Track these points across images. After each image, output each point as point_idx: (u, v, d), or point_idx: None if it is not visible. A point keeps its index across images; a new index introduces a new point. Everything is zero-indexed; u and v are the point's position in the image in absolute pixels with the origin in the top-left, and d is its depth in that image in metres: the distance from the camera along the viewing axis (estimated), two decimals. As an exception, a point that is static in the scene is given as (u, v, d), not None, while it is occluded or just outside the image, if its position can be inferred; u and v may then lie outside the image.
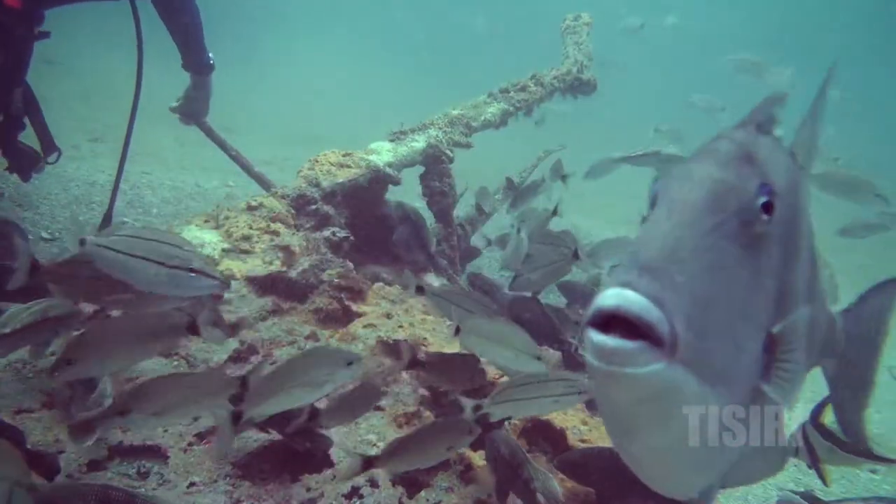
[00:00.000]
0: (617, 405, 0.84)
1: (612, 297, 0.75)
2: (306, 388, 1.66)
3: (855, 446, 2.07)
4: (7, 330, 1.78)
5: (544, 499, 1.90)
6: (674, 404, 0.80)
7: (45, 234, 4.32)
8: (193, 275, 1.67)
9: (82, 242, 1.65)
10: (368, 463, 1.79)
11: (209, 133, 4.25)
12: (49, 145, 3.52)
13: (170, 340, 1.75)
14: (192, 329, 1.70)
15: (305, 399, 1.72)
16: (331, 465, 2.04)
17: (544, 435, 2.37)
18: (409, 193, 4.27)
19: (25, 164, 3.46)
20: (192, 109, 4.02)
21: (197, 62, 3.81)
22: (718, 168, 0.88)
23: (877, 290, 1.48)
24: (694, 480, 1.02)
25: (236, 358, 2.43)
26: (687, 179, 0.88)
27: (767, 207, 0.87)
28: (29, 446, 1.84)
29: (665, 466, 0.95)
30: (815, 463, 2.17)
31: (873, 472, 3.35)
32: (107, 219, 3.36)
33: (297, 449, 2.02)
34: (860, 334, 1.43)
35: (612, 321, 0.75)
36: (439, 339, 2.69)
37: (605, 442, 2.25)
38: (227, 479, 1.97)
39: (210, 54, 3.84)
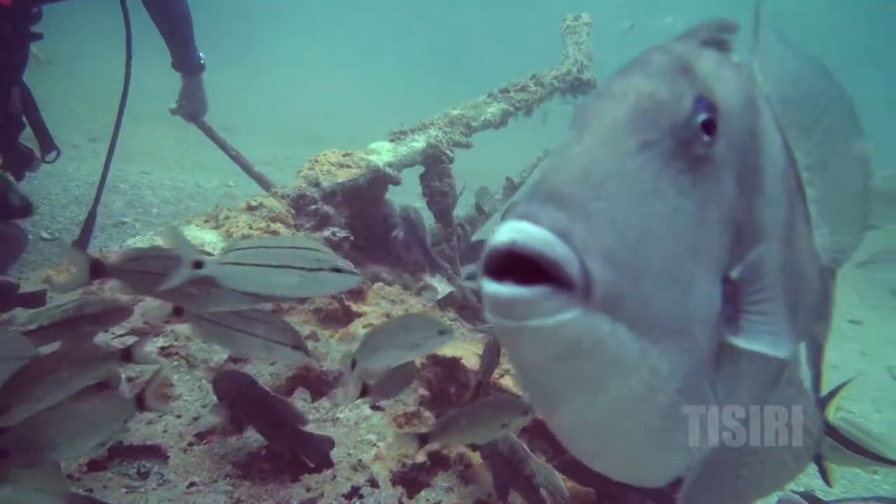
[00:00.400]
0: (529, 369, 0.69)
1: (506, 232, 0.60)
2: (404, 348, 1.74)
3: (860, 446, 2.03)
4: (33, 326, 1.76)
5: (548, 495, 1.90)
6: (600, 363, 0.65)
7: (45, 234, 4.32)
8: (339, 274, 1.64)
9: (198, 265, 1.54)
10: (423, 439, 1.81)
11: (209, 133, 4.25)
12: (48, 145, 3.51)
13: (103, 371, 1.70)
14: (127, 356, 1.70)
15: (403, 358, 1.80)
16: (331, 465, 2.04)
17: (544, 435, 2.37)
18: (409, 193, 4.27)
19: (20, 163, 3.45)
20: (191, 109, 4.02)
21: (186, 62, 3.80)
22: (646, 80, 0.73)
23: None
24: (654, 463, 0.84)
25: (236, 358, 2.42)
26: (607, 95, 0.72)
27: (708, 126, 0.72)
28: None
29: (605, 444, 0.80)
30: (817, 461, 2.08)
31: (874, 472, 3.35)
32: (91, 217, 3.33)
33: (283, 454, 2.03)
34: None
35: (512, 266, 0.60)
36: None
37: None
38: (227, 479, 1.97)
39: (201, 54, 3.83)
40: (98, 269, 1.66)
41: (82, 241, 3.21)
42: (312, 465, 2.03)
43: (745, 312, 0.74)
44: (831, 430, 2.05)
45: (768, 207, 0.84)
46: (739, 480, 0.98)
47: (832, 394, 2.09)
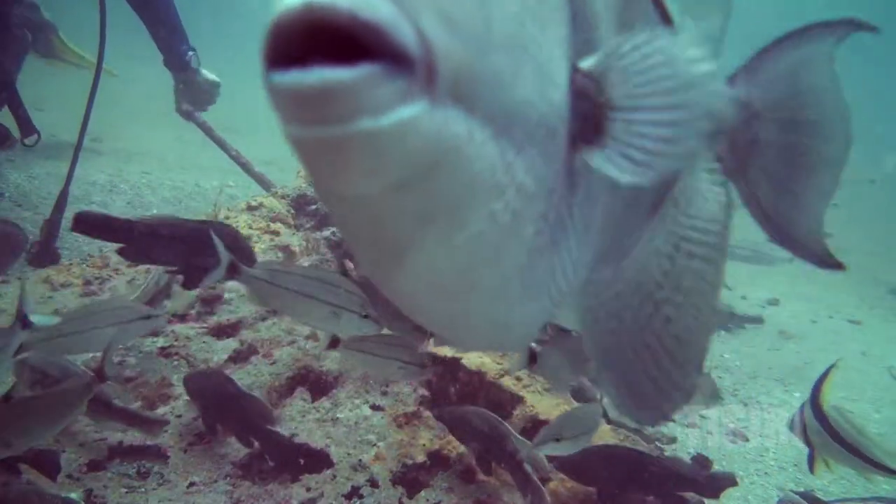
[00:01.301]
0: (357, 208, 0.48)
1: None
2: None
3: (846, 441, 1.94)
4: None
5: (532, 469, 1.91)
6: (459, 184, 0.47)
7: (45, 234, 4.31)
8: (363, 319, 1.71)
9: (234, 270, 1.64)
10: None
11: (209, 132, 4.25)
12: (27, 128, 3.48)
13: (82, 403, 1.70)
14: (100, 377, 1.70)
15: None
16: (331, 465, 2.04)
17: (544, 435, 2.37)
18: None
19: None
20: (195, 100, 4.01)
21: (172, 60, 3.80)
22: None
23: (793, 39, 0.96)
24: (519, 319, 0.65)
25: (236, 358, 2.43)
26: None
27: None
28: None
29: (463, 302, 0.59)
30: (808, 446, 2.04)
31: (866, 478, 3.35)
32: (59, 204, 3.28)
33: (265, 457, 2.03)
34: (774, 103, 0.96)
35: (311, 48, 0.38)
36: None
37: (606, 442, 2.24)
38: (227, 479, 1.97)
39: (192, 52, 3.82)
40: (234, 270, 1.68)
41: (48, 241, 3.19)
42: (272, 464, 2.03)
43: (606, 119, 0.57)
44: (823, 420, 1.98)
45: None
46: (647, 332, 0.83)
47: (821, 380, 2.06)
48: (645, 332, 0.83)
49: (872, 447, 1.97)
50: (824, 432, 1.97)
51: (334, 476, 2.00)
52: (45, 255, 3.15)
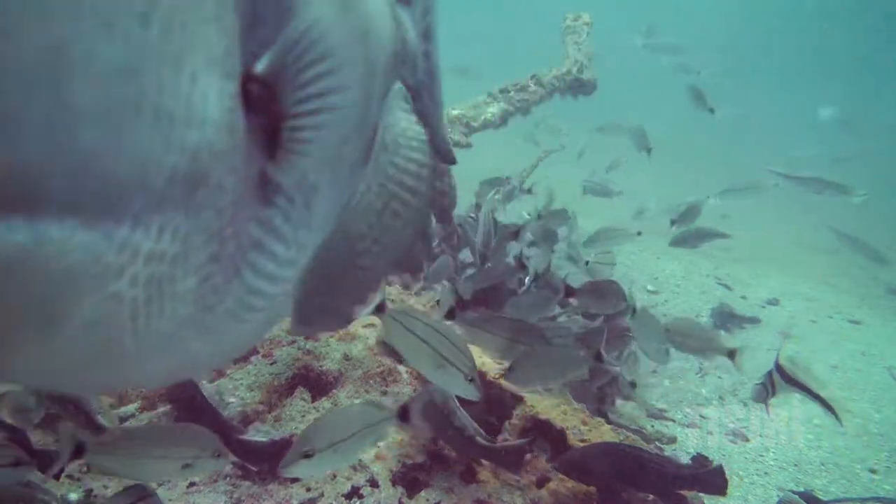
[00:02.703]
0: None
1: None
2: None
3: (795, 379, 2.51)
4: None
5: (483, 440, 1.98)
6: (42, 284, 0.43)
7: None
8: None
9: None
10: None
11: None
12: None
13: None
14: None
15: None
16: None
17: (544, 435, 2.37)
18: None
19: None
20: None
21: None
22: None
23: None
24: (220, 345, 0.66)
25: (235, 358, 2.43)
26: None
27: None
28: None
29: (122, 366, 0.57)
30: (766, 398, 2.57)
31: (873, 472, 3.35)
32: None
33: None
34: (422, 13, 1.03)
35: None
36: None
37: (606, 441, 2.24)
38: (227, 479, 1.97)
39: None
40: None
41: None
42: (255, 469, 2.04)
43: (287, 127, 0.53)
44: (780, 370, 2.52)
45: None
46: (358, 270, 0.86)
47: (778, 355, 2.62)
48: (345, 265, 0.85)
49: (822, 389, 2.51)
50: (779, 378, 2.52)
51: (334, 476, 2.00)
52: None
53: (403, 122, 0.90)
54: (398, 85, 0.90)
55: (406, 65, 0.95)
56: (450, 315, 1.96)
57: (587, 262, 3.86)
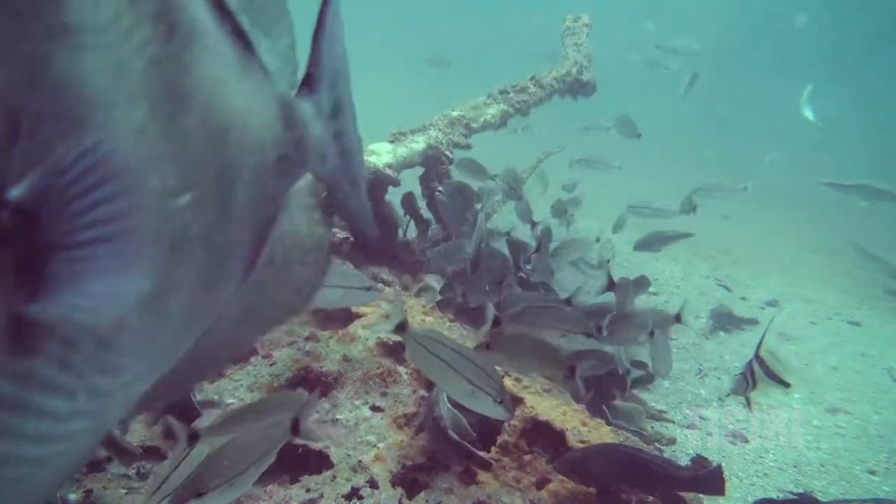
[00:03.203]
0: None
1: None
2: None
3: (774, 373, 2.64)
4: None
5: (456, 435, 2.00)
6: None
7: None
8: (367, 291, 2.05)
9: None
10: None
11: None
12: None
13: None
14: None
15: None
16: (331, 466, 2.04)
17: (544, 436, 2.37)
18: (408, 194, 4.27)
19: None
20: None
21: None
22: None
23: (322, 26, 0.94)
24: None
25: (235, 358, 2.43)
26: None
27: None
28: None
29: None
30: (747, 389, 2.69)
31: (872, 473, 3.35)
32: None
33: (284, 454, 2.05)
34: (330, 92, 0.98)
35: None
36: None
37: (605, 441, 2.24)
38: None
39: None
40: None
41: None
42: None
43: (58, 261, 0.44)
44: (760, 362, 2.65)
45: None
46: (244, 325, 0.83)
47: (761, 340, 2.74)
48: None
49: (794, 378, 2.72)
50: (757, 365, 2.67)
51: (334, 477, 2.00)
52: None
53: (303, 228, 0.85)
54: (301, 183, 0.85)
55: (314, 159, 0.90)
56: (400, 329, 1.89)
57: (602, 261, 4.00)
